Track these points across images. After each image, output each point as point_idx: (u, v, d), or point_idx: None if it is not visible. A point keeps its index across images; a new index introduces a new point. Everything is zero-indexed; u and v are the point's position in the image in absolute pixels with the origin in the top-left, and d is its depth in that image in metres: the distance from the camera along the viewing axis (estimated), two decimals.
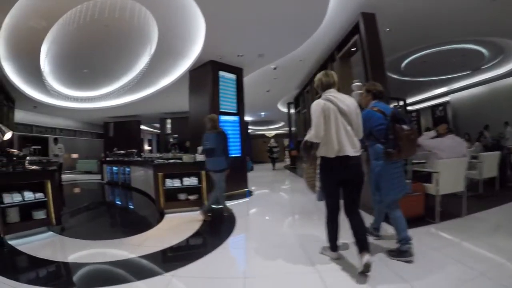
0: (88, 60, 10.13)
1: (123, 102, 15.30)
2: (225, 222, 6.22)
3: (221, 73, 9.42)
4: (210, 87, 9.09)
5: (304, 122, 13.68)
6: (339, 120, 3.39)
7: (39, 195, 5.47)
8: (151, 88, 13.13)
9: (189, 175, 7.15)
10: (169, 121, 19.29)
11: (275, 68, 11.37)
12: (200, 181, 7.14)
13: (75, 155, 22.01)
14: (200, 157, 7.29)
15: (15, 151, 6.05)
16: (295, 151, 17.66)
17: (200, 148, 7.40)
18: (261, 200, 8.82)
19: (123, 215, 8.16)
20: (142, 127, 22.35)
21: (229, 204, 7.34)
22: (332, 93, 3.54)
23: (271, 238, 5.07)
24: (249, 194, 9.28)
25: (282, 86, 14.71)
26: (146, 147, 28.77)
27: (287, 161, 24.23)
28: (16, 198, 5.23)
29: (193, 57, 9.33)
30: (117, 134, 20.86)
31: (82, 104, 15.21)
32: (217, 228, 6.08)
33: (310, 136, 3.44)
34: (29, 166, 6.21)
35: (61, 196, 11.10)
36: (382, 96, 4.21)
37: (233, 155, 9.12)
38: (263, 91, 15.11)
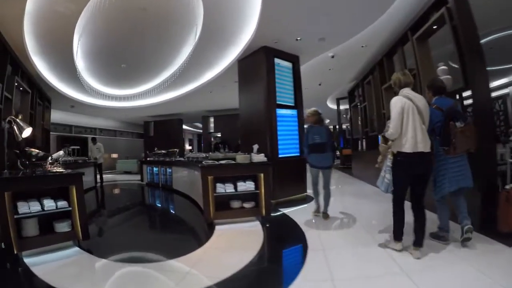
0: (125, 53, 9.27)
1: (163, 99, 14.43)
2: (291, 236, 5.11)
3: (277, 60, 8.14)
4: (265, 77, 7.82)
5: (364, 116, 12.15)
6: (416, 118, 3.61)
7: (62, 204, 4.49)
8: (194, 83, 12.10)
9: (244, 179, 5.96)
10: (212, 119, 18.16)
11: (333, 56, 10.06)
12: (257, 186, 5.91)
13: (115, 155, 21.63)
14: (257, 158, 6.08)
15: (35, 151, 4.98)
16: (348, 149, 16.13)
17: (255, 146, 6.36)
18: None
19: (164, 225, 6.97)
20: (183, 126, 21.36)
21: (289, 211, 6.60)
22: (409, 92, 3.76)
23: (359, 263, 3.76)
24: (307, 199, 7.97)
25: (336, 78, 13.25)
26: (187, 147, 27.95)
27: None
28: (34, 207, 4.25)
29: (242, 43, 8.15)
30: (157, 134, 20.11)
31: (121, 103, 14.59)
32: (283, 244, 4.88)
33: (388, 132, 3.74)
34: (54, 168, 5.15)
35: (101, 199, 10.34)
36: (443, 91, 4.28)
37: (290, 155, 7.89)
38: (314, 85, 13.72)
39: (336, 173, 15.49)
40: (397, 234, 3.86)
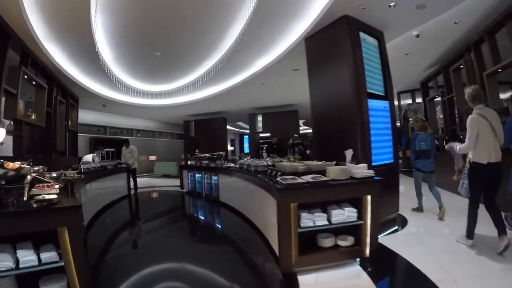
0: (159, 38, 7.73)
1: (205, 95, 12.83)
2: None
3: (362, 35, 5.99)
4: (350, 57, 5.67)
5: (449, 111, 9.77)
6: (489, 134, 4.10)
7: (48, 257, 2.74)
8: (242, 74, 10.33)
9: (338, 203, 3.94)
10: (260, 117, 16.15)
11: (418, 36, 7.87)
12: (360, 214, 3.87)
13: (153, 157, 20.27)
14: (359, 170, 4.00)
15: (15, 165, 3.16)
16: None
17: (349, 152, 4.45)
18: (429, 233, 5.19)
19: (219, 269, 4.51)
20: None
21: (384, 239, 4.77)
22: (482, 109, 4.23)
23: None
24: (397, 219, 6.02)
25: (408, 66, 10.80)
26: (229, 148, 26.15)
27: None
28: (4, 262, 2.52)
29: (313, 15, 6.22)
30: (199, 134, 18.48)
31: (158, 100, 13.20)
32: None
33: (462, 147, 4.31)
34: (44, 191, 3.34)
35: (133, 213, 8.63)
36: None
37: (385, 162, 5.83)
38: None
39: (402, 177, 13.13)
40: (470, 233, 4.30)
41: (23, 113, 6.39)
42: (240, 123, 23.83)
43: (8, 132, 6.30)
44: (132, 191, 11.04)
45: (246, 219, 6.37)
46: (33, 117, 7.15)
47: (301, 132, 16.46)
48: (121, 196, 9.91)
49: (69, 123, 9.97)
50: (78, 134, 14.18)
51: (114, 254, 5.08)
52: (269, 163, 5.93)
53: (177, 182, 12.60)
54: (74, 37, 6.94)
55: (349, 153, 4.39)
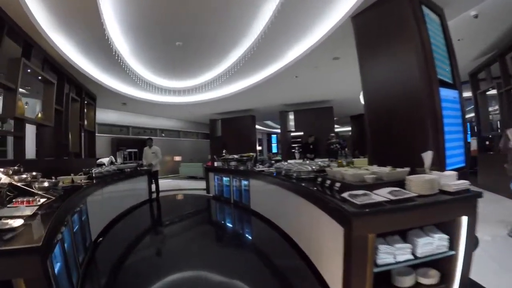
0: (180, 25, 6.73)
1: (232, 91, 11.82)
2: None
3: (425, 10, 4.81)
4: (415, 35, 4.46)
5: (508, 105, 8.42)
6: None
7: None
8: (273, 66, 9.24)
9: (421, 226, 2.86)
10: (291, 115, 14.93)
11: (476, 16, 6.68)
12: (452, 243, 2.78)
13: (178, 158, 19.47)
14: (452, 182, 2.87)
15: None
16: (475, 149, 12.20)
17: (428, 155, 3.31)
18: None
19: None
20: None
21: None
22: None
23: None
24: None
25: (460, 51, 9.54)
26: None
27: None
28: None
29: None
30: (226, 134, 17.45)
31: (182, 97, 12.38)
32: None
33: None
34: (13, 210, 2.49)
35: (154, 222, 7.75)
36: None
37: (457, 166, 4.69)
38: None
39: None
40: None
41: (23, 111, 5.56)
42: (268, 122, 22.76)
43: (5, 132, 5.53)
44: (154, 195, 10.21)
45: (284, 234, 5.35)
46: (39, 115, 6.35)
47: (335, 131, 15.22)
48: (141, 201, 9.12)
49: (85, 122, 9.18)
50: (98, 135, 13.59)
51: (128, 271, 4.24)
52: (314, 167, 4.90)
53: (202, 184, 11.74)
54: (82, 26, 6.11)
55: (428, 156, 3.25)
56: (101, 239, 5.56)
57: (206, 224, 7.48)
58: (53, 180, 4.16)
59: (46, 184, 3.71)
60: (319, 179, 4.11)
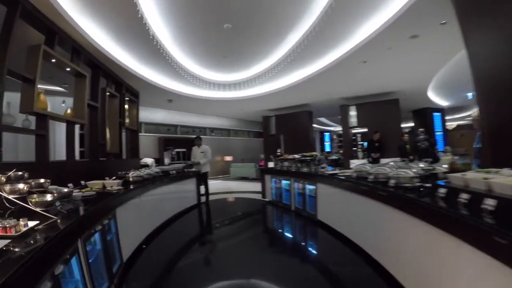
0: (228, 4, 5.66)
1: (288, 83, 10.52)
2: None
3: None
4: None
5: None
6: None
7: None
8: (337, 50, 7.85)
9: None
10: (353, 110, 13.10)
11: None
12: None
13: (228, 158, 18.47)
14: None
15: None
16: None
17: None
18: None
19: None
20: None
21: None
22: None
23: None
24: None
25: None
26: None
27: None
28: None
29: None
30: (280, 131, 16.02)
31: (232, 92, 11.41)
32: None
33: None
34: None
35: (202, 231, 6.64)
36: None
37: None
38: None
39: None
40: None
41: (46, 106, 4.62)
42: (321, 119, 21.14)
43: (23, 130, 4.58)
44: (203, 198, 9.21)
45: (368, 257, 4.00)
46: (68, 111, 5.46)
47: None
48: (189, 206, 8.12)
49: (127, 120, 8.34)
50: (144, 134, 12.98)
51: None
52: (417, 172, 3.53)
53: (255, 186, 10.75)
54: (113, 9, 5.24)
55: None
56: (136, 257, 4.48)
57: (265, 237, 6.17)
58: (66, 190, 3.08)
59: (47, 198, 2.61)
60: (442, 190, 2.74)
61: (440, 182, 3.00)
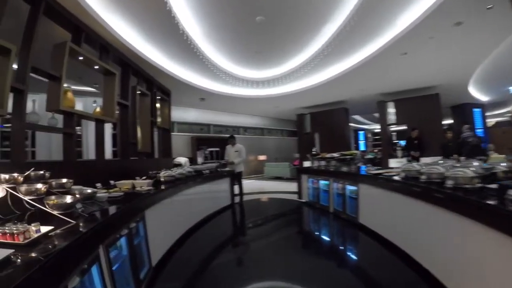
0: None
1: (323, 79, 10.10)
2: None
3: None
4: None
5: None
6: None
7: None
8: (375, 43, 7.43)
9: None
10: (391, 107, 12.32)
11: None
12: None
13: (262, 157, 18.20)
14: None
15: None
16: None
17: None
18: None
19: None
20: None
21: None
22: None
23: None
24: None
25: None
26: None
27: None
28: None
29: None
30: (315, 130, 15.46)
31: (265, 90, 11.17)
32: None
33: None
34: None
35: (235, 233, 6.34)
36: None
37: None
38: None
39: None
40: None
41: (73, 104, 4.43)
42: (356, 117, 20.39)
43: (49, 128, 4.42)
44: (237, 199, 8.94)
45: (417, 266, 3.56)
46: (97, 109, 5.31)
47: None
48: (222, 207, 7.85)
49: (158, 119, 8.18)
50: (177, 134, 12.93)
51: None
52: (476, 172, 3.09)
53: (290, 186, 10.48)
54: (141, 5, 5.11)
55: None
56: (166, 260, 4.23)
57: (301, 240, 5.81)
58: (89, 190, 2.83)
59: (66, 199, 2.37)
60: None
61: (508, 183, 2.57)
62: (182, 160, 8.96)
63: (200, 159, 13.26)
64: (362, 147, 25.34)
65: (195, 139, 14.15)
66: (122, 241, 2.82)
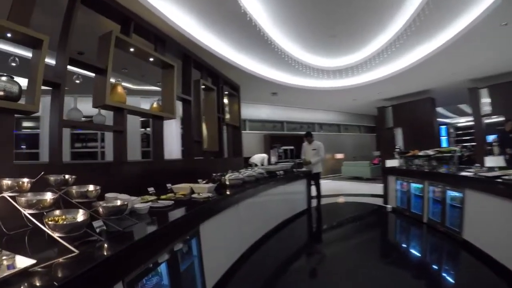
0: None
1: (406, 64, 8.89)
2: None
3: None
4: None
5: None
6: None
7: None
8: (469, 13, 6.14)
9: None
10: (484, 95, 10.36)
11: None
12: None
13: (339, 156, 16.99)
14: None
15: None
16: None
17: None
18: None
19: None
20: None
21: None
22: None
23: None
24: None
25: None
26: None
27: None
28: None
29: None
30: (398, 124, 13.93)
31: (343, 80, 10.19)
32: None
33: None
34: None
35: (311, 245, 5.50)
36: None
37: None
38: None
39: None
40: None
41: (123, 99, 3.96)
42: (438, 109, 18.28)
43: (92, 126, 3.95)
44: (313, 203, 7.97)
45: None
46: (154, 105, 4.85)
47: None
48: (297, 213, 6.97)
49: (227, 116, 7.66)
50: (249, 132, 12.73)
51: None
52: None
53: (372, 188, 10.05)
54: None
55: None
56: (226, 282, 3.52)
57: (388, 258, 4.69)
58: (119, 203, 2.14)
59: (78, 216, 1.75)
60: None
61: None
62: (257, 158, 8.37)
63: (273, 158, 12.57)
64: (444, 143, 22.92)
65: (268, 137, 13.56)
66: (162, 268, 2.17)
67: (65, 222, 1.69)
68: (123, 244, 1.73)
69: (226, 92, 7.80)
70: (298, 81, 10.04)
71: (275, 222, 5.86)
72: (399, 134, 13.58)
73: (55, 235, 1.57)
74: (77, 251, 1.50)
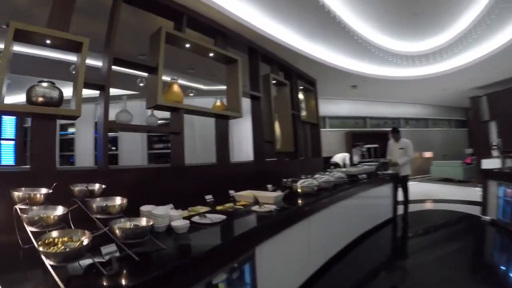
0: None
1: (503, 43, 7.48)
2: None
3: None
4: None
5: None
6: None
7: None
8: None
9: None
10: None
11: None
12: None
13: (428, 154, 15.33)
14: None
15: None
16: None
17: None
18: None
19: None
20: None
21: None
22: None
23: None
24: None
25: None
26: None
27: None
28: None
29: None
30: (494, 117, 11.91)
31: (430, 66, 9.18)
32: None
33: None
34: None
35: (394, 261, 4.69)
36: None
37: None
38: None
39: None
40: None
41: (180, 98, 3.66)
42: None
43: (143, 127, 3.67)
44: (400, 210, 6.97)
45: None
46: (217, 103, 4.56)
47: None
48: (380, 222, 6.07)
49: (303, 113, 7.11)
50: (328, 130, 12.20)
51: None
52: None
53: (465, 192, 8.80)
54: None
55: None
56: None
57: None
58: (145, 222, 1.71)
59: (83, 240, 1.41)
60: None
61: None
62: (339, 158, 7.82)
63: (356, 158, 11.71)
64: None
65: (349, 134, 12.77)
66: None
67: (62, 247, 1.33)
68: (133, 281, 1.32)
69: (301, 87, 7.30)
70: (379, 71, 9.16)
71: (352, 236, 5.00)
72: (493, 128, 11.87)
73: (48, 262, 1.22)
74: None
